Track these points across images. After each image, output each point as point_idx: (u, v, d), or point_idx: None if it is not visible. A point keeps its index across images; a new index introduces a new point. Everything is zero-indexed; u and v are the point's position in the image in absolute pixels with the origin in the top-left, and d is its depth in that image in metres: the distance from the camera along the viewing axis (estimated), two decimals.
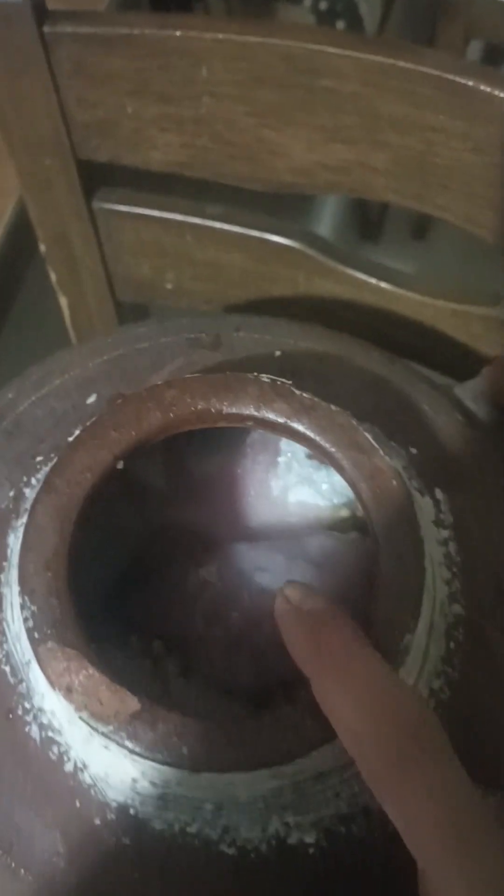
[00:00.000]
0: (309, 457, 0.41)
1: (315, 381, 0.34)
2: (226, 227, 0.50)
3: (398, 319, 0.50)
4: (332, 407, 0.29)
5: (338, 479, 0.40)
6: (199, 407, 0.29)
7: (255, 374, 0.30)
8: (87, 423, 0.29)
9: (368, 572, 0.38)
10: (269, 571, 0.36)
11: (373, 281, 0.49)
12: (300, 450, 0.41)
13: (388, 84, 0.39)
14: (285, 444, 0.41)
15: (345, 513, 0.40)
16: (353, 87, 0.41)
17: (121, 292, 0.56)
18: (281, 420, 0.29)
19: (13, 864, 0.29)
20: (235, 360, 0.34)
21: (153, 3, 0.79)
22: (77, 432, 0.31)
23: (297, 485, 0.40)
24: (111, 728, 0.25)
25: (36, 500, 0.28)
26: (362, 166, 0.44)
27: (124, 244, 0.52)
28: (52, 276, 0.55)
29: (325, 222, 1.43)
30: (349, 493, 0.40)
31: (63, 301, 0.57)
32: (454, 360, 0.49)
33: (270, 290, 0.52)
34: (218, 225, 0.50)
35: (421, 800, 0.20)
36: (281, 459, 0.41)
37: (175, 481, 0.40)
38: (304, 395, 0.30)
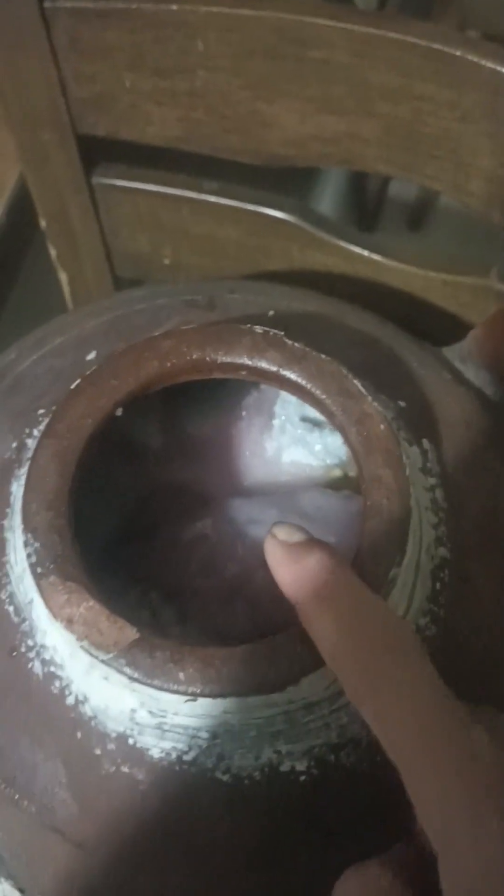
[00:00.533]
0: (303, 419, 0.42)
1: (307, 338, 0.35)
2: (221, 201, 0.51)
3: (389, 290, 0.51)
4: (323, 356, 0.31)
5: (331, 440, 0.41)
6: (195, 356, 0.30)
7: (249, 325, 0.31)
8: (87, 373, 0.30)
9: (360, 528, 0.39)
10: (262, 524, 0.38)
11: (365, 253, 0.50)
12: (294, 412, 0.42)
13: (377, 54, 0.40)
14: (280, 406, 0.42)
15: (337, 473, 0.42)
16: (343, 57, 0.42)
17: (119, 267, 0.57)
18: (273, 369, 0.31)
19: (16, 796, 0.30)
20: (232, 318, 0.35)
21: None
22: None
23: (290, 446, 0.42)
24: (111, 656, 0.26)
25: (38, 445, 0.29)
26: (353, 137, 0.45)
27: (123, 219, 0.53)
28: (52, 252, 0.56)
29: (322, 212, 1.44)
30: (341, 454, 0.41)
31: (63, 277, 0.58)
32: (443, 329, 0.50)
33: (266, 263, 0.54)
34: (214, 199, 0.51)
35: (392, 699, 0.22)
36: (275, 422, 0.42)
37: (171, 442, 0.41)
38: (296, 344, 0.31)
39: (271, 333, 0.31)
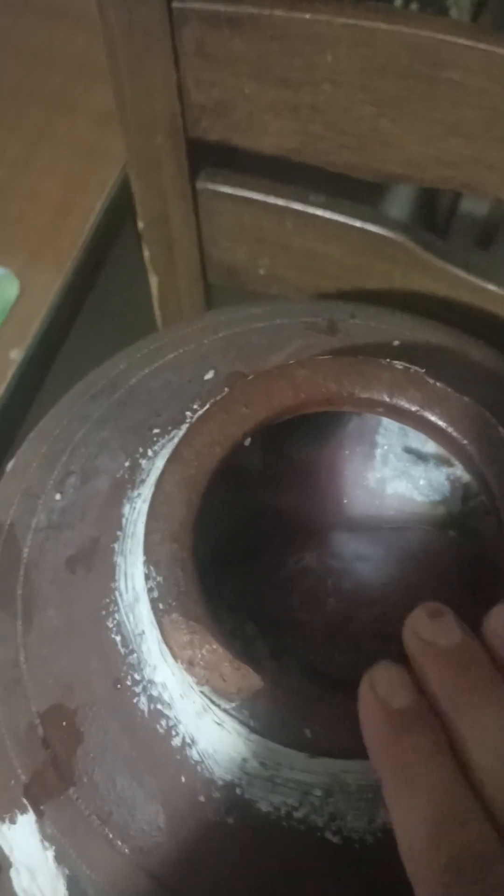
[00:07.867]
0: (406, 450, 0.41)
1: (433, 372, 0.33)
2: (328, 215, 0.49)
3: (494, 319, 0.49)
4: (465, 398, 0.29)
5: (435, 475, 0.40)
6: (331, 389, 0.29)
7: (388, 360, 0.29)
8: (218, 398, 0.29)
9: (464, 571, 0.37)
10: (369, 561, 0.36)
11: (473, 279, 0.48)
12: (397, 442, 0.40)
13: None
14: (381, 436, 0.40)
15: (441, 510, 0.40)
16: (478, 80, 0.40)
17: (212, 275, 0.55)
18: (413, 409, 0.29)
19: (110, 835, 0.28)
20: (357, 345, 0.34)
21: None
22: (196, 406, 0.30)
23: (394, 478, 0.40)
24: (233, 705, 0.25)
25: (164, 471, 0.28)
26: (477, 162, 0.43)
27: (223, 227, 0.52)
28: (146, 254, 0.55)
29: None
30: (446, 490, 0.40)
31: (153, 280, 0.56)
32: None
33: (364, 282, 0.52)
34: (320, 213, 0.49)
35: None
36: (378, 452, 0.40)
37: (273, 465, 0.39)
38: (438, 384, 0.29)
39: (412, 370, 0.29)
